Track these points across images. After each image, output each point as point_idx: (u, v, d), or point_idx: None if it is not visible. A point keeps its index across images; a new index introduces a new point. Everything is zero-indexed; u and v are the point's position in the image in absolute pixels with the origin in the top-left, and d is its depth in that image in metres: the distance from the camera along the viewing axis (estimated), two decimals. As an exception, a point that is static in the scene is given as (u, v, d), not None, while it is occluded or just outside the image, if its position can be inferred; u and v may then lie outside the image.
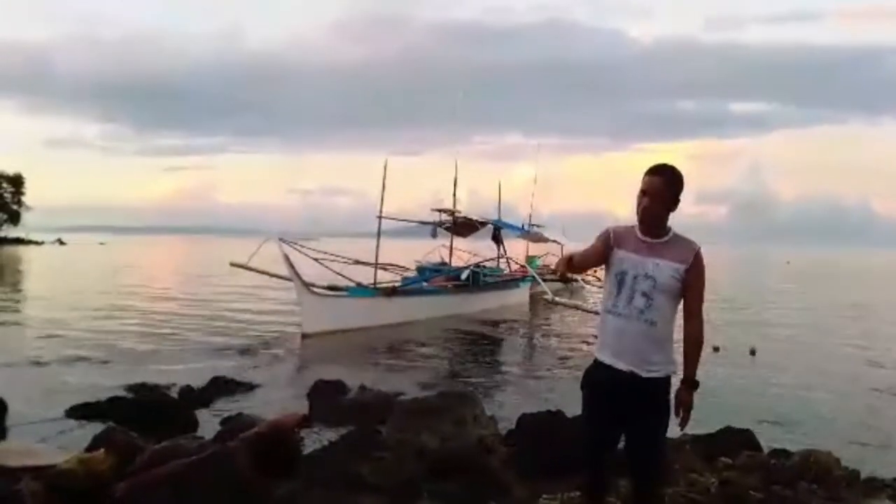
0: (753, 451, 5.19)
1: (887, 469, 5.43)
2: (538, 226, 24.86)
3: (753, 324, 16.59)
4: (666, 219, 2.98)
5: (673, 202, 2.96)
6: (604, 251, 3.04)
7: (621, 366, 2.92)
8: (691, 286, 2.92)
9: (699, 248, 2.96)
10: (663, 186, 2.93)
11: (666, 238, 2.96)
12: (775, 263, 61.22)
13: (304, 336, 12.77)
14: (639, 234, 2.99)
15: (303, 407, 7.15)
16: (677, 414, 2.94)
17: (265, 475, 4.10)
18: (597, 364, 3.05)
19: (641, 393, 2.90)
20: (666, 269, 2.89)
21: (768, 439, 5.86)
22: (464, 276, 18.63)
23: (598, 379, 3.02)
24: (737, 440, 5.43)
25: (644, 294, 2.89)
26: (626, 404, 2.92)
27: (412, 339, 13.24)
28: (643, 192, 2.94)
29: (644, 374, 2.89)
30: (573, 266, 3.10)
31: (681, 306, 3.00)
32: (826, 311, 20.07)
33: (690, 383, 2.95)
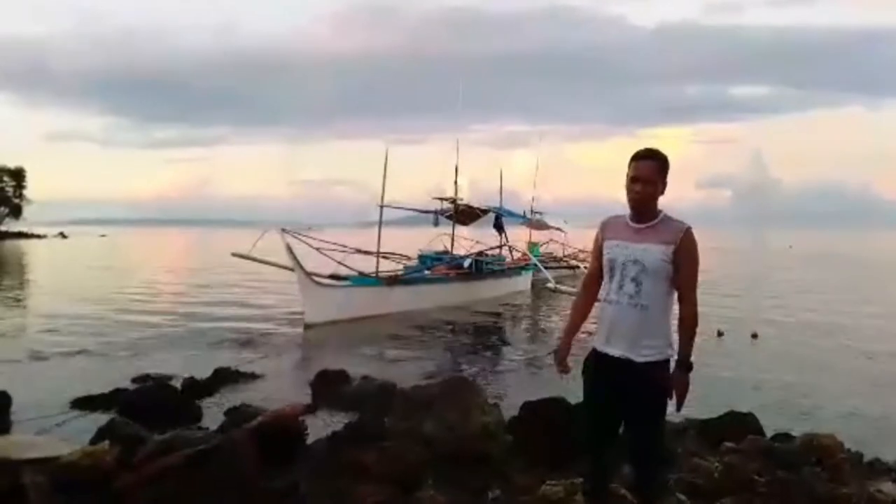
0: (757, 436, 5.19)
1: (890, 452, 5.44)
2: (540, 213, 24.83)
3: (755, 308, 16.57)
4: (657, 202, 2.97)
5: (663, 185, 2.97)
6: (599, 252, 3.08)
7: (615, 352, 2.94)
8: (681, 267, 2.90)
9: (688, 227, 2.93)
10: (655, 170, 2.93)
11: (655, 221, 2.95)
12: (778, 247, 61.09)
13: (307, 326, 12.79)
14: (629, 221, 2.99)
15: (306, 397, 7.17)
16: (671, 397, 2.92)
17: (269, 465, 4.11)
18: (594, 352, 3.07)
19: (637, 378, 2.89)
20: (654, 252, 2.88)
21: (771, 423, 5.86)
22: (466, 264, 18.63)
23: (596, 367, 3.04)
24: (740, 424, 5.44)
25: (633, 279, 2.90)
26: (623, 390, 2.93)
27: (415, 328, 13.24)
28: (634, 179, 2.92)
29: (638, 360, 2.89)
30: (579, 316, 3.24)
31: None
32: (828, 294, 20.04)
33: (685, 366, 2.91)
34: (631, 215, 3.00)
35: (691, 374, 2.94)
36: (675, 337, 2.97)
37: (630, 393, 2.91)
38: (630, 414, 2.97)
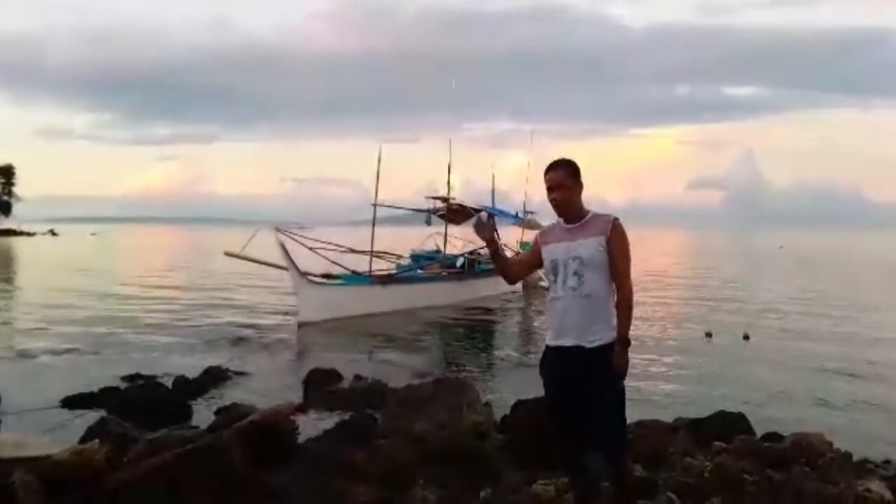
0: (747, 435, 5.22)
1: (878, 450, 5.49)
2: (532, 212, 24.84)
3: (746, 309, 16.64)
4: (578, 203, 3.26)
5: (578, 188, 3.26)
6: (536, 255, 3.39)
7: (567, 342, 3.16)
8: (614, 253, 3.16)
9: (615, 218, 3.22)
10: (563, 176, 3.22)
11: (585, 219, 3.23)
12: (768, 248, 61.40)
13: (301, 325, 12.76)
14: (563, 224, 3.27)
15: (298, 396, 7.16)
16: (613, 369, 3.12)
17: (260, 464, 4.10)
18: (547, 349, 3.29)
19: (590, 364, 3.10)
20: (589, 245, 3.15)
21: (761, 423, 5.90)
22: (458, 263, 18.64)
23: (550, 361, 3.25)
24: (730, 424, 5.47)
25: (575, 273, 3.15)
26: (579, 378, 3.12)
27: (407, 327, 13.24)
28: (549, 188, 3.23)
29: (588, 346, 3.11)
30: (509, 272, 3.56)
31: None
32: (819, 295, 20.14)
33: (623, 342, 3.14)
34: (562, 220, 3.28)
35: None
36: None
37: (585, 378, 3.11)
38: (589, 399, 3.12)
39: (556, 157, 3.31)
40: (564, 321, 3.17)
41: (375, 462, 4.28)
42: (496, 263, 3.55)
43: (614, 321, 3.17)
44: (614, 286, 3.20)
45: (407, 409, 5.16)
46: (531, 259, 3.47)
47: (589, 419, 3.14)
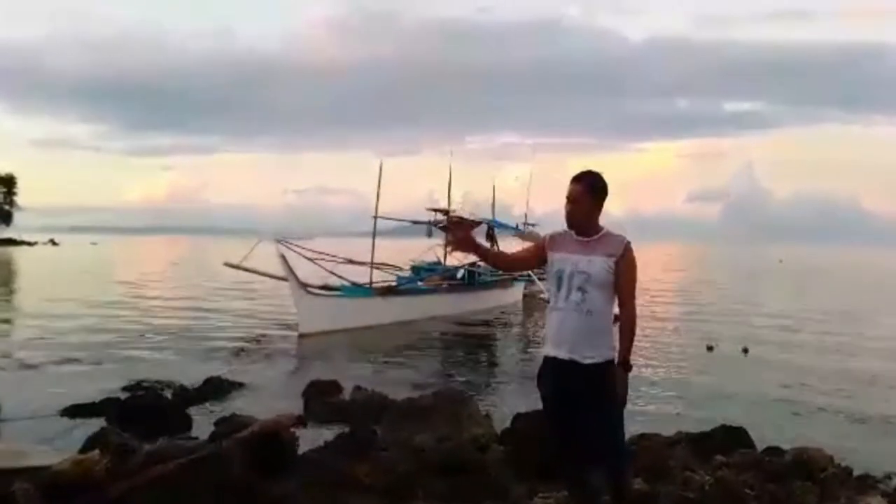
0: (747, 449, 5.21)
1: (879, 466, 5.47)
2: (533, 224, 24.87)
3: (746, 323, 16.63)
4: (593, 219, 3.23)
5: (596, 204, 3.23)
6: (537, 254, 3.37)
7: (562, 354, 3.15)
8: (622, 276, 3.15)
9: (628, 241, 3.20)
10: (583, 192, 3.19)
11: (598, 236, 3.20)
12: (768, 261, 61.38)
13: (301, 336, 12.75)
14: (575, 235, 3.23)
15: (298, 407, 7.15)
16: (612, 392, 3.11)
17: (259, 475, 4.09)
18: (544, 360, 3.27)
19: (585, 380, 3.09)
20: (598, 263, 3.12)
21: (762, 437, 5.88)
22: (459, 275, 18.66)
23: (547, 372, 3.24)
24: (731, 438, 5.45)
25: (579, 288, 3.12)
26: (573, 392, 3.12)
27: (407, 339, 13.24)
28: (567, 199, 3.21)
29: (583, 361, 3.10)
30: (501, 263, 3.63)
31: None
32: (818, 309, 20.13)
33: (624, 365, 3.14)
34: (576, 230, 3.24)
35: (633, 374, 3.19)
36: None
37: (583, 393, 3.10)
38: (585, 415, 3.12)
39: (568, 170, 3.32)
40: (561, 333, 3.16)
41: (376, 474, 4.26)
42: (486, 263, 3.67)
43: (614, 340, 3.15)
44: (614, 305, 3.18)
45: (407, 420, 5.16)
46: (529, 256, 3.52)
47: (589, 433, 3.14)
